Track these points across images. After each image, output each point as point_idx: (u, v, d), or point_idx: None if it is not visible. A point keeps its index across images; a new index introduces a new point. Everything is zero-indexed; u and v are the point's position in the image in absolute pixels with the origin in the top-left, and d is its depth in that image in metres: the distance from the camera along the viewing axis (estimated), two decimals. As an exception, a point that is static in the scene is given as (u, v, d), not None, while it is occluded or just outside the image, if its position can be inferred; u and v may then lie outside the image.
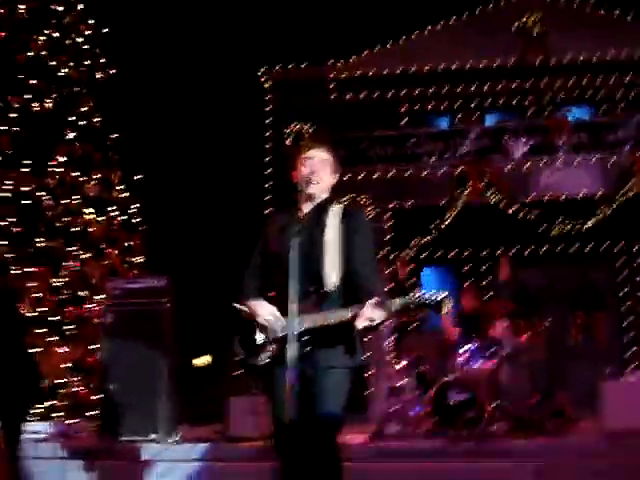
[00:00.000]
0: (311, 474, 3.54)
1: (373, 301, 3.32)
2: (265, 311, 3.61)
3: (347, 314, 3.43)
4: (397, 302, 3.41)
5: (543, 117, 13.59)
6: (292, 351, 3.33)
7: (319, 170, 3.76)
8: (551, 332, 9.83)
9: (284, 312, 3.51)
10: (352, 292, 3.55)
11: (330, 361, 3.57)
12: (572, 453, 6.43)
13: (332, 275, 3.58)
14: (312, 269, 3.54)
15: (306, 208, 3.76)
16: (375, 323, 3.34)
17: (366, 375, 11.42)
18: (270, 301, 3.69)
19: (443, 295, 3.41)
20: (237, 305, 3.74)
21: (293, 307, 3.39)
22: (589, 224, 12.17)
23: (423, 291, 3.43)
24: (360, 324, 3.34)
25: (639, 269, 13.32)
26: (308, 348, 3.47)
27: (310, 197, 3.76)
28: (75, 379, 9.06)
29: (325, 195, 3.84)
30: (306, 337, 3.47)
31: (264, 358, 3.60)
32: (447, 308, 3.41)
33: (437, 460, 6.39)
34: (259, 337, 3.63)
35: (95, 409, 8.02)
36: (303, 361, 3.36)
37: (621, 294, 13.59)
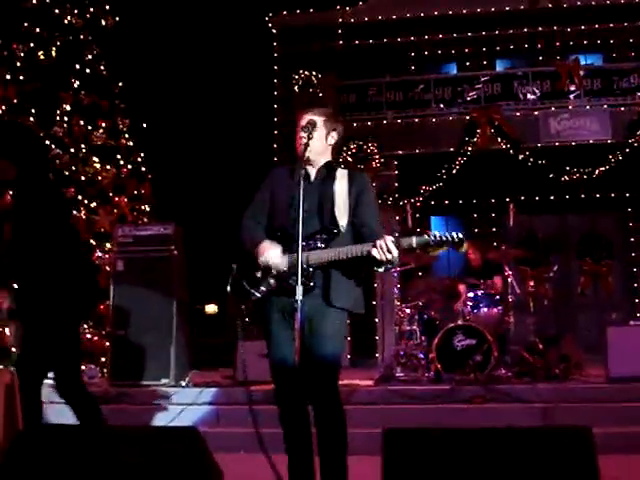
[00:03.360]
0: (317, 417, 3.63)
1: (390, 237, 3.39)
2: (270, 251, 3.64)
3: (361, 248, 3.49)
4: (414, 240, 3.44)
5: (554, 62, 13.40)
6: (299, 288, 3.33)
7: (307, 134, 3.74)
8: (559, 279, 9.88)
9: (285, 250, 3.62)
10: (360, 239, 3.62)
11: (332, 300, 3.63)
12: (577, 397, 6.49)
13: (342, 218, 3.68)
14: (322, 212, 3.65)
15: (310, 172, 3.82)
16: (391, 257, 3.38)
17: (374, 321, 11.52)
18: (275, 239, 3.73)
19: (461, 234, 3.47)
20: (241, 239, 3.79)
21: (300, 245, 3.43)
22: (599, 171, 12.08)
23: (441, 232, 3.47)
24: (377, 254, 3.39)
25: (648, 217, 13.32)
26: (311, 284, 3.53)
27: (308, 161, 3.79)
28: (86, 326, 9.15)
29: (325, 158, 3.89)
30: (312, 272, 3.53)
31: (261, 291, 3.66)
32: (465, 246, 3.44)
33: (443, 403, 6.46)
34: (259, 272, 3.68)
35: (107, 355, 8.11)
36: (306, 298, 3.39)
37: (630, 242, 13.60)
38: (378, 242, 3.39)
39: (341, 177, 3.82)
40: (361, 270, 3.70)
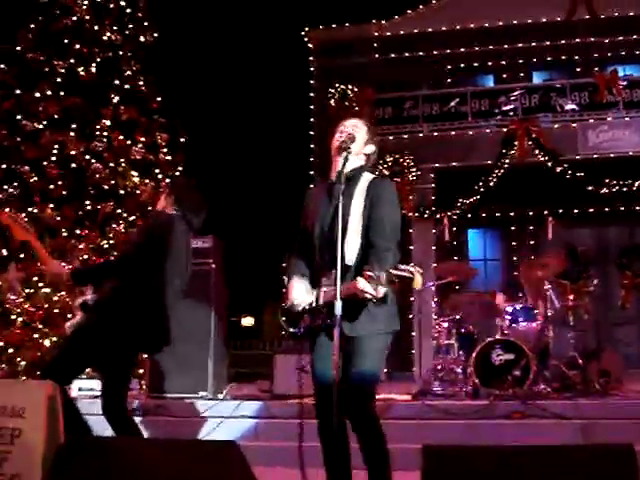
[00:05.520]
0: (355, 433, 3.65)
1: (369, 273, 3.35)
2: (300, 297, 3.77)
3: (349, 289, 3.49)
4: (384, 276, 3.37)
5: (592, 74, 13.29)
6: (338, 302, 3.41)
7: (352, 135, 3.81)
8: (599, 293, 9.74)
9: (314, 285, 3.78)
10: (366, 260, 3.60)
11: (364, 329, 3.66)
12: (618, 413, 6.39)
13: (352, 251, 3.66)
14: (334, 244, 3.59)
15: (340, 176, 3.74)
16: (368, 296, 3.39)
17: (411, 335, 11.47)
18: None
19: (415, 269, 3.40)
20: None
21: (323, 280, 3.64)
22: (638, 184, 11.93)
23: (402, 266, 3.42)
24: (345, 295, 3.41)
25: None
26: (328, 321, 3.58)
27: (342, 159, 3.75)
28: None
29: (359, 163, 3.89)
30: (326, 309, 3.60)
31: (301, 328, 3.79)
32: (420, 282, 3.41)
33: (481, 419, 6.41)
34: (298, 308, 3.81)
35: (145, 368, 8.18)
36: (331, 329, 3.44)
37: (671, 254, 13.35)
38: (354, 284, 3.41)
39: (361, 188, 3.77)
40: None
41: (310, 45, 15.67)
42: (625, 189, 11.90)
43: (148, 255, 4.35)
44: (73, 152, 10.01)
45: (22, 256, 9.26)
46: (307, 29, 15.57)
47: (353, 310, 3.60)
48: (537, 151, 12.28)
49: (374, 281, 3.33)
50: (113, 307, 4.33)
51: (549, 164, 12.15)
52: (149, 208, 10.47)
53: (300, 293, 3.78)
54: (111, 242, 9.95)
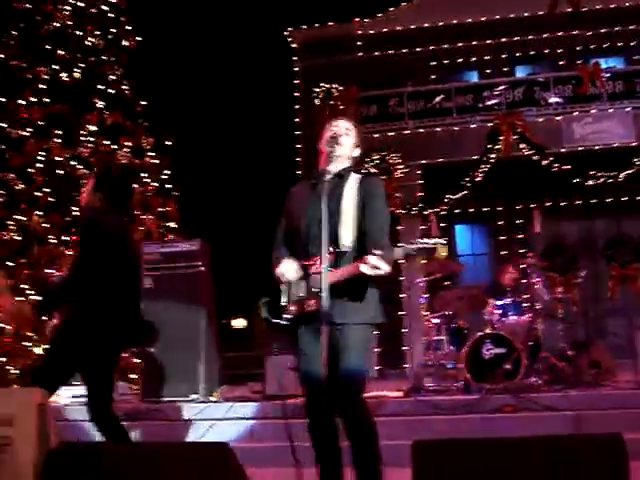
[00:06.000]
0: (346, 430, 3.66)
1: (378, 251, 3.42)
2: (291, 271, 3.78)
3: (353, 268, 3.56)
4: (399, 251, 3.53)
5: (575, 67, 13.35)
6: (324, 298, 3.47)
7: (342, 134, 3.88)
8: (587, 284, 9.79)
9: (303, 274, 3.76)
10: (362, 250, 3.65)
11: (348, 318, 3.68)
12: (609, 403, 6.43)
13: (347, 237, 3.72)
14: (329, 233, 3.63)
15: (327, 175, 3.81)
16: (382, 272, 3.43)
17: (402, 332, 11.50)
18: None
19: (440, 241, 3.52)
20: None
21: (314, 267, 3.63)
22: (624, 175, 11.98)
23: (424, 239, 3.54)
24: (364, 269, 3.45)
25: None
26: (327, 305, 3.57)
27: (332, 161, 3.83)
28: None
29: (345, 164, 3.93)
30: (325, 294, 3.56)
31: (287, 318, 3.79)
32: (444, 252, 3.51)
33: (473, 413, 6.43)
34: (283, 299, 3.83)
35: (137, 372, 8.17)
36: (325, 318, 3.46)
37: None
38: (365, 259, 3.44)
39: (351, 185, 3.84)
40: (368, 282, 3.72)
41: (294, 45, 15.68)
42: (611, 180, 11.95)
43: (91, 262, 4.36)
44: (59, 158, 9.99)
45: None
46: (290, 29, 15.58)
47: (342, 297, 3.65)
48: (522, 145, 12.32)
49: (385, 258, 3.40)
50: (81, 318, 4.36)
51: (535, 157, 12.19)
52: (135, 212, 10.46)
53: (290, 267, 3.77)
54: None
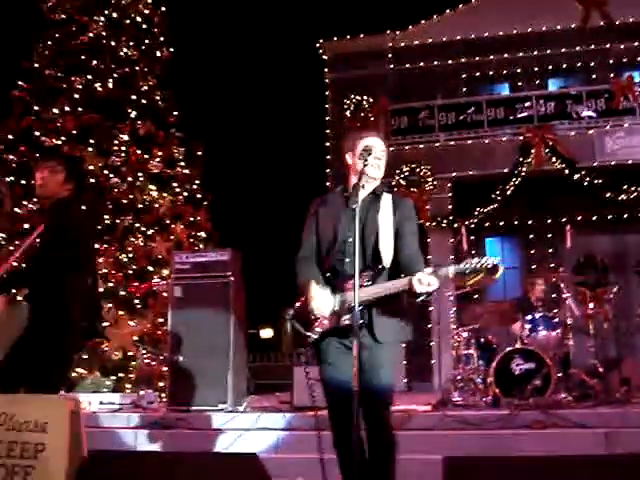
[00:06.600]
0: (370, 445, 3.64)
1: (429, 269, 3.45)
2: (325, 307, 3.73)
3: (402, 282, 3.56)
4: (451, 269, 3.51)
5: (608, 80, 13.24)
6: (351, 322, 3.50)
7: (381, 158, 3.88)
8: (618, 300, 9.67)
9: (336, 289, 3.74)
10: (400, 271, 3.68)
11: (378, 338, 3.68)
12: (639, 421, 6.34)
13: (386, 253, 3.73)
14: (369, 248, 3.70)
15: (361, 191, 3.79)
16: (432, 289, 3.45)
17: (430, 345, 11.44)
18: (325, 279, 3.83)
19: (496, 260, 3.48)
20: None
21: (350, 283, 3.59)
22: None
23: (476, 259, 3.50)
24: (419, 288, 3.45)
25: None
26: (361, 321, 3.57)
27: (365, 180, 3.80)
28: (145, 352, 9.29)
29: (378, 182, 3.93)
30: (360, 310, 3.56)
31: (316, 332, 3.76)
32: (500, 272, 3.47)
33: (502, 429, 6.37)
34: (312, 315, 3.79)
35: (165, 380, 8.21)
36: (357, 334, 3.46)
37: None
38: (418, 276, 3.44)
39: (385, 205, 3.84)
40: (401, 300, 3.74)
41: (325, 57, 15.73)
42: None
43: (60, 247, 4.46)
44: (91, 167, 10.09)
45: None
46: (321, 41, 15.63)
47: (380, 314, 3.66)
48: (554, 159, 12.24)
49: (438, 276, 3.43)
50: (45, 308, 4.45)
51: (566, 171, 12.10)
52: (167, 221, 10.54)
53: (325, 301, 3.73)
54: (130, 256, 10.01)
